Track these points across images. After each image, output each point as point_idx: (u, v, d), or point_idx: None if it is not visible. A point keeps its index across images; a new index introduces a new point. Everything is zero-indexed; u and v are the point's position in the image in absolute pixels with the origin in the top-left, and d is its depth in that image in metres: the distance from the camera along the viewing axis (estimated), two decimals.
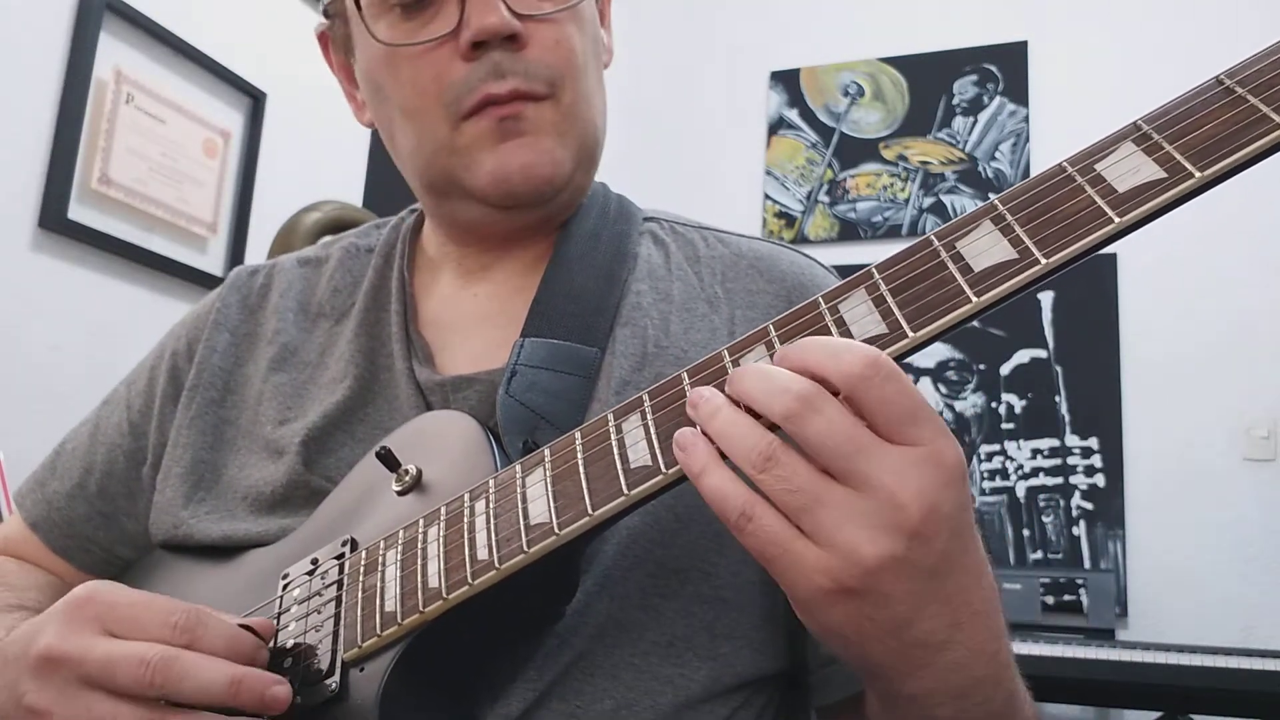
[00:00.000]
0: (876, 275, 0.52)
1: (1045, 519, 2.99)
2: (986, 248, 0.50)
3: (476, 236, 0.82)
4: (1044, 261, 0.47)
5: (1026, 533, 3.00)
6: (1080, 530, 2.95)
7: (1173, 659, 2.16)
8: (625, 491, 0.54)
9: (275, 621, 0.66)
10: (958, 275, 0.50)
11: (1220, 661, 2.13)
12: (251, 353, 0.85)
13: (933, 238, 0.52)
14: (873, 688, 0.58)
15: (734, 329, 0.77)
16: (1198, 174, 0.45)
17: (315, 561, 0.67)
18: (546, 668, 0.64)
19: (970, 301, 0.49)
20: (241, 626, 0.61)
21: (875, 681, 0.56)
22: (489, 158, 0.74)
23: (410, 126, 0.76)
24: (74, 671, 0.57)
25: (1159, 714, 2.33)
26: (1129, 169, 0.47)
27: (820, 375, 0.49)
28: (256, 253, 2.38)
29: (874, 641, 0.49)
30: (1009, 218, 0.50)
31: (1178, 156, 0.46)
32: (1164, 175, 0.46)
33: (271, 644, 0.65)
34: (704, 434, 0.51)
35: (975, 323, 0.50)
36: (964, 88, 3.38)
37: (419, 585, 0.59)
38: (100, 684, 0.56)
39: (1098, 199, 0.47)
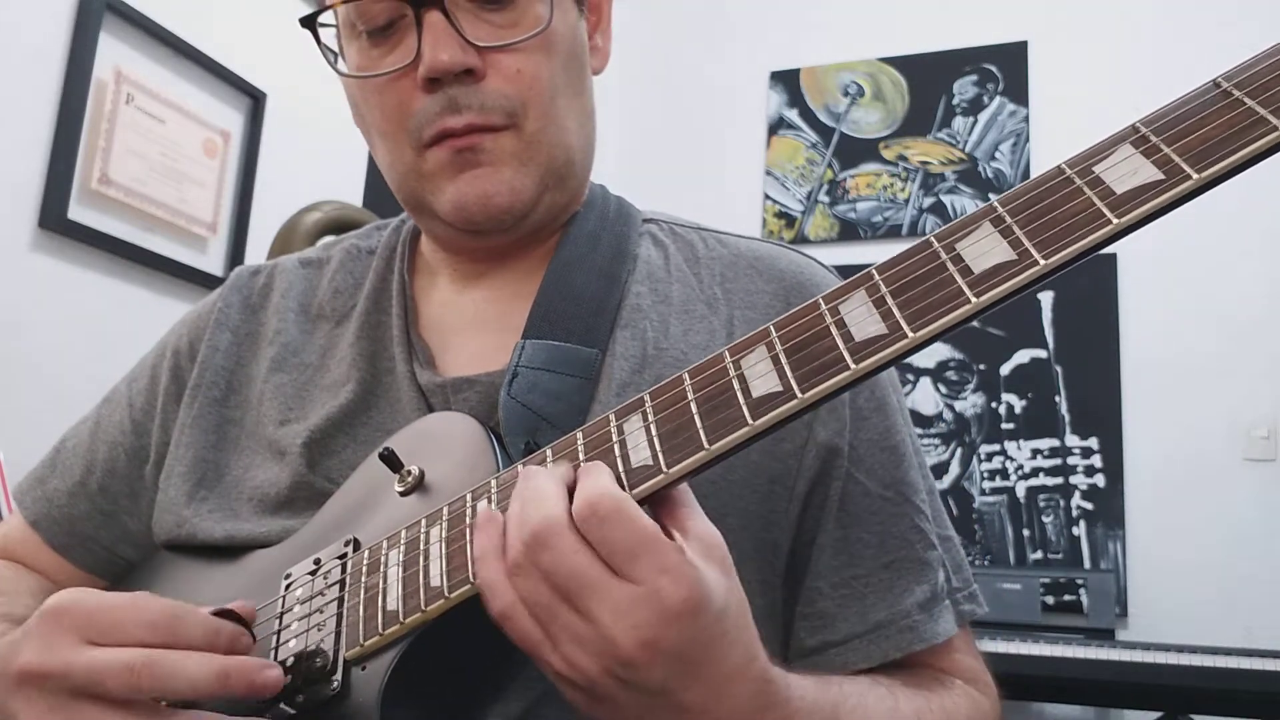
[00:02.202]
0: (876, 276, 0.53)
1: (1045, 519, 3.00)
2: (986, 249, 0.50)
3: (461, 251, 0.83)
4: (1043, 262, 0.48)
5: (1026, 533, 3.00)
6: (1080, 530, 2.95)
7: (1173, 659, 2.16)
8: (627, 491, 0.54)
9: (278, 621, 0.67)
10: (957, 276, 0.50)
11: (1220, 661, 2.13)
12: (253, 352, 0.85)
13: (932, 239, 0.52)
14: None
15: (733, 330, 0.77)
16: (1195, 176, 0.46)
17: (318, 561, 0.67)
18: None
19: (970, 302, 0.49)
20: (219, 613, 0.61)
21: None
22: (449, 186, 0.75)
23: (383, 146, 0.78)
24: (61, 685, 0.56)
25: (1159, 714, 2.33)
26: (1127, 171, 0.47)
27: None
28: (256, 253, 2.38)
29: None
30: (1008, 219, 0.50)
31: (1176, 159, 0.46)
32: (1162, 177, 0.46)
33: (274, 645, 0.66)
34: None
35: (975, 323, 0.51)
36: (964, 88, 3.38)
37: (421, 584, 0.59)
38: (90, 694, 0.56)
39: (1096, 200, 0.47)
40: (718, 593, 0.51)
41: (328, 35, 0.79)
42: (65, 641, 0.58)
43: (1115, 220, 0.47)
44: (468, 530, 0.59)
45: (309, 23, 0.78)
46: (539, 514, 0.52)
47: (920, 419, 3.16)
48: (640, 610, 0.50)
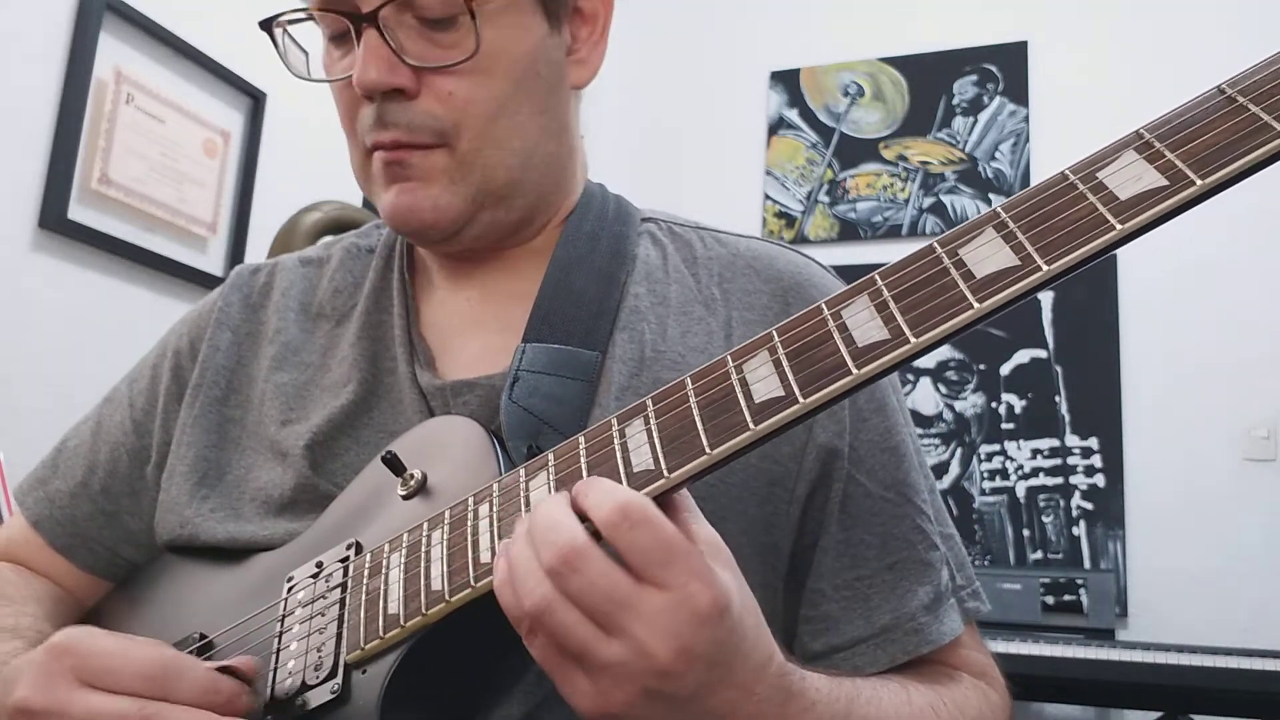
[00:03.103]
0: (879, 281, 0.53)
1: (1045, 519, 3.00)
2: (989, 254, 0.50)
3: (439, 251, 0.84)
4: (1046, 268, 0.48)
5: (1026, 533, 3.00)
6: (1080, 530, 2.95)
7: (1173, 659, 2.16)
8: None
9: (280, 624, 0.67)
10: (960, 281, 0.50)
11: (1220, 661, 2.13)
12: (254, 351, 0.85)
13: (935, 244, 0.52)
14: None
15: (731, 331, 0.77)
16: (1199, 182, 0.46)
17: (320, 564, 0.68)
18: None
19: (973, 307, 0.49)
20: (221, 669, 0.61)
21: None
22: (384, 194, 0.77)
23: (347, 142, 0.80)
24: None
25: (1159, 714, 2.33)
26: (1131, 177, 0.47)
27: (591, 519, 0.52)
28: (256, 253, 2.38)
29: None
30: (1011, 225, 0.50)
31: (1179, 164, 0.46)
32: (1165, 183, 0.46)
33: (275, 648, 0.66)
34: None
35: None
36: (964, 88, 3.38)
37: (422, 587, 0.59)
38: None
39: (1100, 206, 0.47)
40: (735, 594, 0.52)
41: (278, 36, 0.80)
42: (62, 682, 0.59)
43: (1119, 226, 0.47)
44: (468, 544, 0.59)
45: (266, 26, 0.79)
46: (561, 539, 0.51)
47: (920, 419, 3.16)
48: (673, 617, 0.50)
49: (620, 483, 0.55)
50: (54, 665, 0.59)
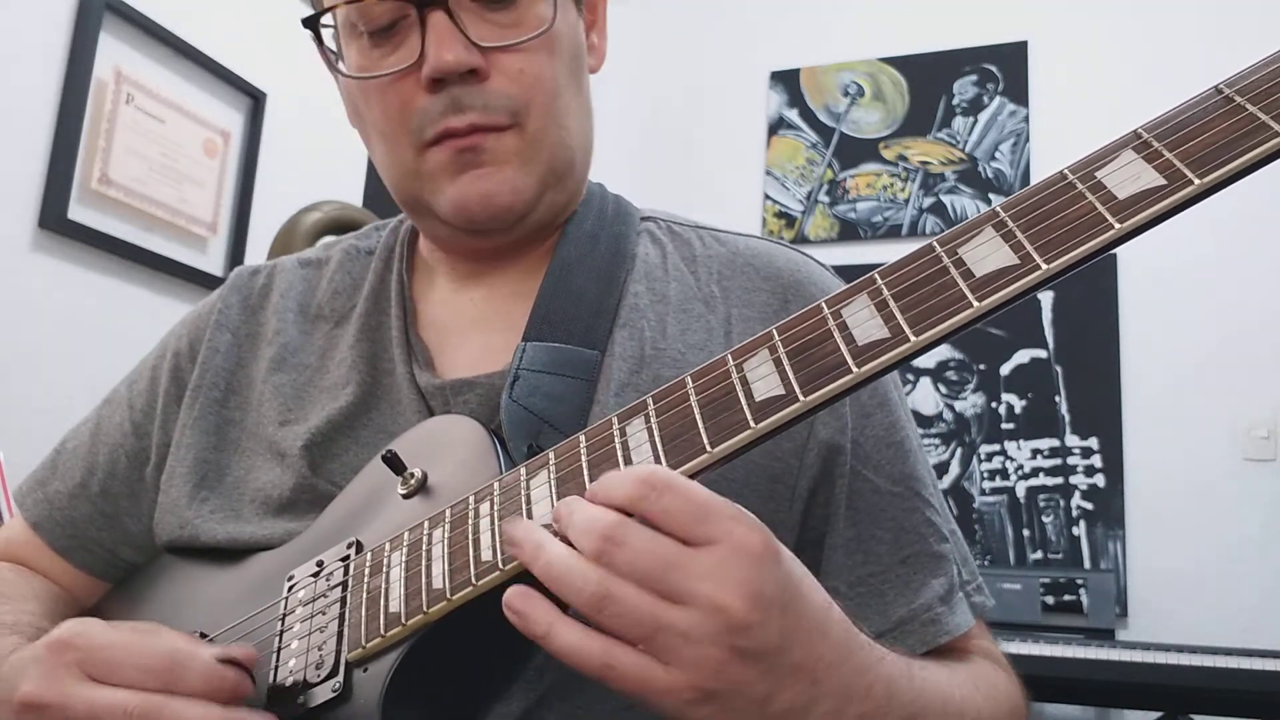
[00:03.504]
0: (879, 280, 0.53)
1: (1045, 519, 3.00)
2: (988, 253, 0.50)
3: (459, 251, 0.83)
4: (1045, 267, 0.48)
5: (1026, 533, 3.00)
6: (1080, 530, 2.95)
7: (1173, 659, 2.16)
8: None
9: (281, 623, 0.67)
10: (959, 280, 0.50)
11: (1220, 661, 2.13)
12: (253, 353, 0.85)
13: (934, 244, 0.52)
14: None
15: (730, 328, 0.77)
16: (1197, 181, 0.46)
17: (320, 564, 0.68)
18: (546, 668, 0.65)
19: (972, 306, 0.49)
20: (223, 661, 0.60)
21: None
22: (450, 187, 0.75)
23: (382, 147, 0.78)
24: (58, 718, 0.58)
25: (1159, 714, 2.33)
26: (1129, 176, 0.48)
27: (616, 505, 0.51)
28: (256, 253, 2.38)
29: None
30: (1011, 224, 0.50)
31: (1177, 164, 0.46)
32: (1164, 182, 0.47)
33: (276, 647, 0.66)
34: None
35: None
36: (964, 88, 3.39)
37: (423, 586, 0.59)
38: None
39: (1098, 205, 0.48)
40: (773, 537, 0.51)
41: (326, 36, 0.79)
42: (67, 675, 0.59)
43: (1117, 225, 0.47)
44: (469, 543, 0.59)
45: (312, 23, 0.78)
46: (596, 524, 0.50)
47: (920, 419, 3.17)
48: (734, 565, 0.49)
49: None
50: (57, 659, 0.60)
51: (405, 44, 0.74)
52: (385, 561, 0.63)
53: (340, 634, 0.62)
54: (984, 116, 3.34)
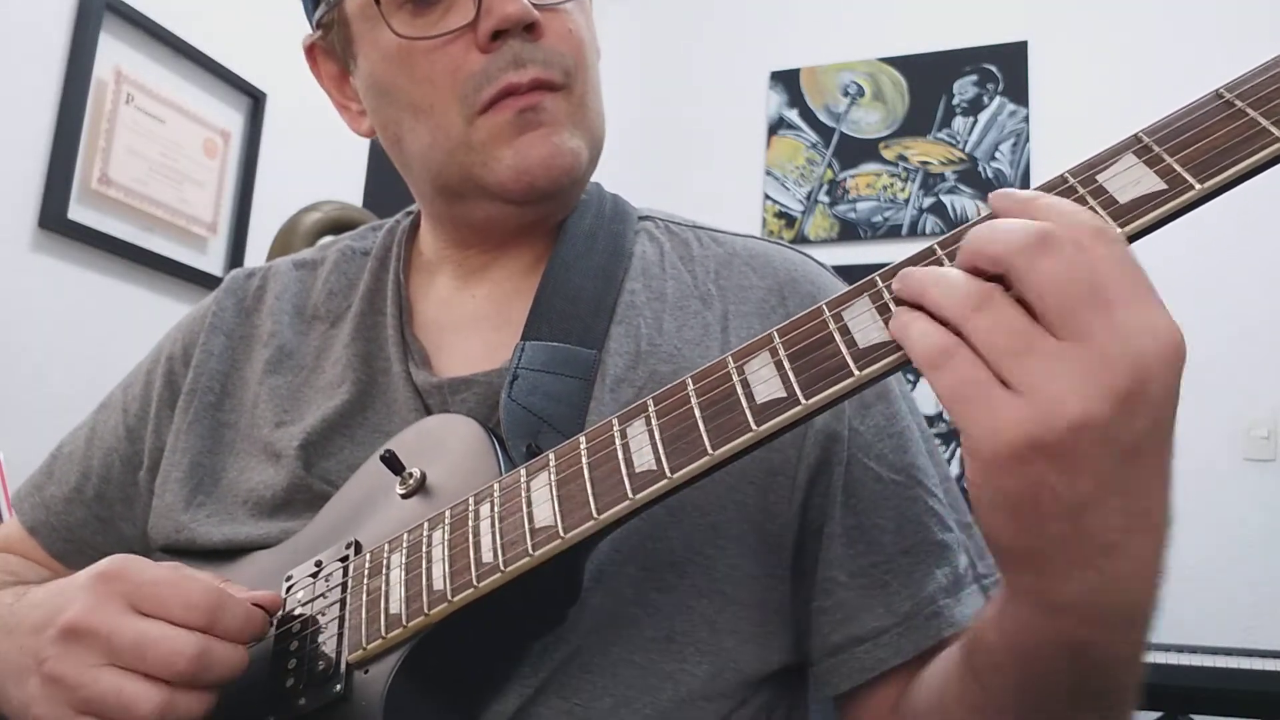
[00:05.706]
0: (880, 283, 0.53)
1: None
2: None
3: (480, 236, 0.82)
4: None
5: None
6: None
7: (1173, 659, 2.16)
8: (630, 495, 0.54)
9: (278, 624, 0.67)
10: None
11: (1220, 661, 2.14)
12: (248, 355, 0.85)
13: (935, 246, 0.52)
14: (1015, 599, 0.53)
15: (727, 325, 0.77)
16: (1198, 186, 0.46)
17: (319, 564, 0.68)
18: (541, 664, 0.65)
19: None
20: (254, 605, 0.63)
21: (1024, 581, 0.51)
22: (508, 152, 0.74)
23: (422, 126, 0.76)
24: (102, 646, 0.58)
25: (1159, 714, 2.33)
26: (1130, 180, 0.48)
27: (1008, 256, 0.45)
28: (256, 253, 2.38)
29: (1047, 521, 0.46)
30: None
31: (1178, 168, 0.46)
32: (1164, 187, 0.47)
33: (275, 646, 0.66)
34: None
35: None
36: (964, 88, 3.39)
37: (424, 588, 0.59)
38: (128, 664, 0.58)
39: (1100, 210, 0.48)
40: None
41: (353, 12, 0.78)
42: (114, 605, 0.59)
43: (1119, 230, 0.47)
44: (470, 545, 0.59)
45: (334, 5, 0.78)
46: (1018, 234, 0.44)
47: None
48: (1143, 338, 0.45)
49: (623, 483, 0.55)
50: (105, 589, 0.60)
51: (453, 10, 0.73)
52: (385, 563, 0.63)
53: (340, 635, 0.62)
54: (984, 116, 3.34)
